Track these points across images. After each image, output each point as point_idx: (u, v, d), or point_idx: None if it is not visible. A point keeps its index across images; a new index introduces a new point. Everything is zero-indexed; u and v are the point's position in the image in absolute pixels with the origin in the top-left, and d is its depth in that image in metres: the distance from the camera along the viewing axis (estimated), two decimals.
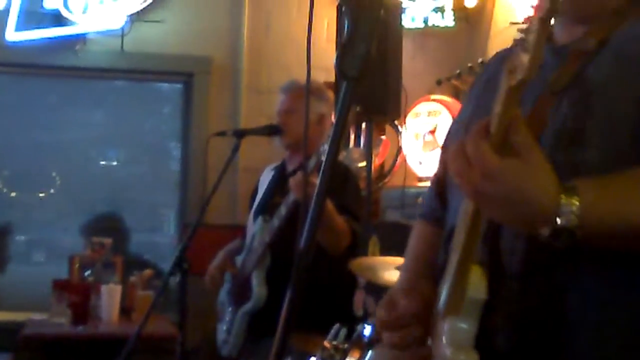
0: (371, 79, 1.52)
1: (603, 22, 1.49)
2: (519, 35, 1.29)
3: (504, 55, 1.56)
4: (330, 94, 3.77)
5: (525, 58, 1.25)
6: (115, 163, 6.71)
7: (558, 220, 1.23)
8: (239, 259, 3.87)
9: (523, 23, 4.96)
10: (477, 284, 1.39)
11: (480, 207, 1.33)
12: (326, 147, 3.15)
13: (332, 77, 4.00)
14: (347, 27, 1.54)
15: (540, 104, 1.46)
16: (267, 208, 3.69)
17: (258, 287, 3.64)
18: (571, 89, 1.44)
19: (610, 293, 1.34)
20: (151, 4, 6.11)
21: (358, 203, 3.70)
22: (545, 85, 1.47)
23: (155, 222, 6.66)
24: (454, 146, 1.31)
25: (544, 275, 1.38)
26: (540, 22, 1.24)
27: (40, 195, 6.42)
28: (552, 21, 1.55)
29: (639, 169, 1.29)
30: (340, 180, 3.41)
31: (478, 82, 1.76)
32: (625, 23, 1.45)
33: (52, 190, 6.44)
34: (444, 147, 1.80)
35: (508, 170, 1.25)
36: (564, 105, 1.43)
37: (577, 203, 1.23)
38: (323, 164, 1.48)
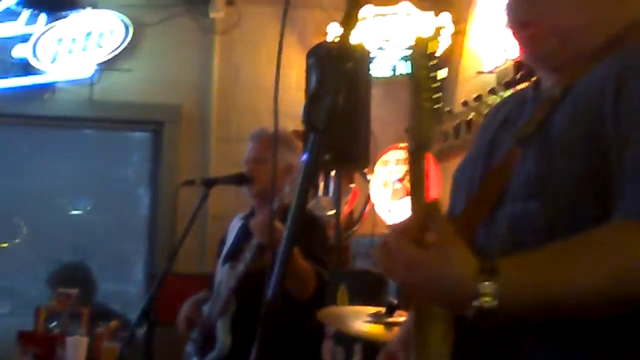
0: (339, 128, 1.53)
1: (574, 68, 1.51)
2: None
3: (520, 95, 1.59)
4: (299, 144, 3.78)
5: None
6: (83, 212, 6.66)
7: (478, 303, 1.27)
8: (205, 308, 3.84)
9: (490, 72, 4.98)
10: (439, 346, 1.41)
11: (409, 295, 1.40)
12: (288, 189, 3.17)
13: (301, 126, 4.02)
14: (315, 78, 1.56)
15: (509, 153, 1.50)
16: (234, 256, 3.67)
17: (223, 336, 3.61)
18: (535, 139, 1.46)
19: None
20: (120, 52, 6.13)
21: (325, 250, 3.69)
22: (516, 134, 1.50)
23: (123, 271, 6.60)
24: (381, 243, 1.39)
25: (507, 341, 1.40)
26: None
27: (5, 245, 6.36)
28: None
29: (567, 241, 1.31)
30: (306, 228, 3.40)
31: (489, 119, 1.79)
32: (594, 66, 1.47)
33: (17, 240, 6.37)
34: (453, 184, 1.82)
35: (426, 261, 1.32)
36: (528, 156, 1.45)
37: (496, 285, 1.27)
38: (290, 212, 1.49)
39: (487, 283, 1.27)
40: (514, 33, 1.60)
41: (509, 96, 1.81)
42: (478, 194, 1.53)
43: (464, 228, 1.42)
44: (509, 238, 1.42)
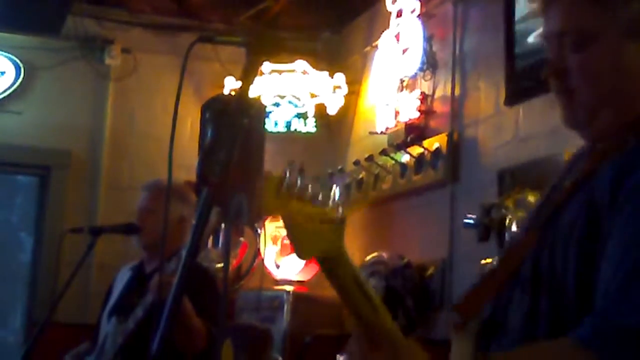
0: (232, 182, 1.55)
1: (600, 147, 1.53)
2: None
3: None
4: (192, 196, 3.77)
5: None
6: None
7: None
8: None
9: (382, 133, 5.11)
10: None
11: None
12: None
13: (193, 176, 4.00)
14: (210, 133, 1.57)
15: (526, 236, 1.56)
16: (122, 309, 3.60)
17: None
18: (549, 224, 1.51)
19: None
20: (10, 94, 6.01)
21: (216, 305, 3.66)
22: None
23: (1, 319, 6.38)
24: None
25: None
26: None
27: None
28: None
29: (532, 349, 1.40)
30: (199, 282, 3.38)
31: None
32: (616, 155, 1.47)
33: None
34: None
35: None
36: (540, 242, 1.50)
37: None
38: (180, 264, 1.48)
39: None
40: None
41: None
42: (493, 271, 1.57)
43: (474, 300, 1.49)
44: (511, 325, 1.50)
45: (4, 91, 5.99)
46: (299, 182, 1.32)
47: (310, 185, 1.33)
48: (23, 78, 6.03)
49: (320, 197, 1.33)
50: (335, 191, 1.40)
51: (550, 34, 1.55)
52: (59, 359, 3.86)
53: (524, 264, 1.50)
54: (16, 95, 6.03)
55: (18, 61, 6.03)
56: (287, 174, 1.32)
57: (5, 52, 6.03)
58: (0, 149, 6.01)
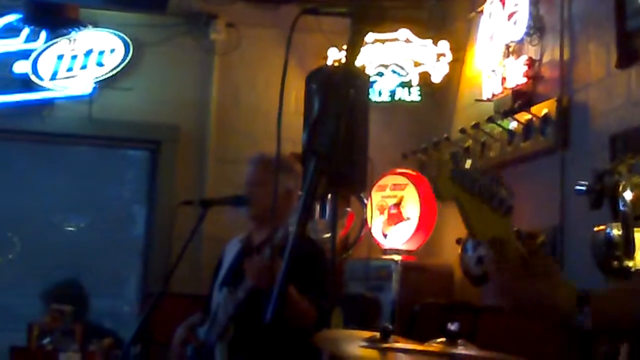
0: (338, 152, 1.55)
1: None
2: None
3: None
4: (299, 167, 3.79)
5: None
6: (77, 228, 6.66)
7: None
8: (202, 331, 3.83)
9: (488, 100, 5.03)
10: None
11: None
12: (293, 218, 3.17)
13: (299, 149, 4.03)
14: (317, 105, 1.57)
15: None
16: (232, 279, 3.66)
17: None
18: None
19: None
20: (120, 71, 6.15)
21: (325, 278, 3.69)
22: None
23: (116, 289, 6.59)
24: None
25: None
26: None
27: None
28: None
29: None
30: (307, 253, 3.41)
31: None
32: None
33: (10, 256, 6.36)
34: None
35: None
36: None
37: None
38: (290, 234, 1.50)
39: None
40: None
41: None
42: None
43: None
44: None
45: (114, 68, 6.14)
46: (470, 174, 1.51)
47: (479, 177, 1.52)
48: (132, 55, 6.17)
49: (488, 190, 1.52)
50: (503, 184, 1.55)
51: None
52: (171, 328, 3.96)
53: None
54: (125, 72, 6.18)
55: (127, 38, 6.17)
56: (460, 165, 1.51)
57: (114, 30, 6.17)
58: (111, 125, 6.18)
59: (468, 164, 1.51)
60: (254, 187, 3.73)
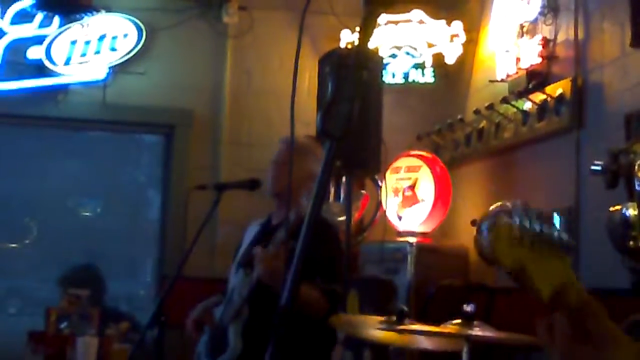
0: (351, 135, 1.54)
1: None
2: None
3: None
4: (322, 152, 3.80)
5: None
6: (93, 213, 6.69)
7: None
8: (217, 311, 3.86)
9: (502, 81, 5.00)
10: None
11: None
12: (306, 200, 3.19)
13: (312, 131, 4.03)
14: (330, 87, 1.56)
15: None
16: (248, 261, 3.68)
17: (234, 340, 3.62)
18: None
19: None
20: (133, 56, 6.16)
21: (339, 261, 3.70)
22: None
23: (132, 273, 6.63)
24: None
25: None
26: None
27: (16, 245, 6.38)
28: None
29: None
30: (322, 235, 3.42)
31: None
32: None
33: (27, 241, 6.40)
34: None
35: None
36: None
37: None
38: (305, 219, 1.49)
39: None
40: None
41: None
42: None
43: None
44: None
45: (128, 53, 6.14)
46: (526, 224, 1.27)
47: (535, 225, 1.27)
48: (145, 39, 6.17)
49: (543, 235, 1.27)
50: (556, 224, 1.29)
51: None
52: (187, 312, 3.98)
53: None
54: (139, 56, 6.18)
55: (139, 23, 6.17)
56: (516, 220, 1.27)
57: (127, 14, 6.18)
58: (125, 110, 6.19)
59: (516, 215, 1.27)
60: (281, 165, 3.76)
